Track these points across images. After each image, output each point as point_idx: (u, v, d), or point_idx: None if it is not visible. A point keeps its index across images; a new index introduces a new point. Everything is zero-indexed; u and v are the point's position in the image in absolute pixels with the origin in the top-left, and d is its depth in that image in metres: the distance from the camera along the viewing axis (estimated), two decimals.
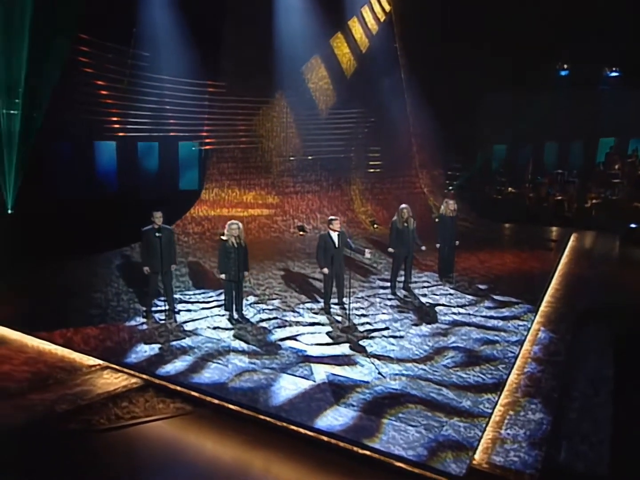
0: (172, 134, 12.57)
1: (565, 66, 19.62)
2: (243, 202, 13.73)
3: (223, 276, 8.00)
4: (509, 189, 18.15)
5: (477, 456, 4.94)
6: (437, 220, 10.52)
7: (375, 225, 14.54)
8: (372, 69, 14.84)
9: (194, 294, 9.25)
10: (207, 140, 13.13)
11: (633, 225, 15.20)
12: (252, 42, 12.42)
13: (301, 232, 13.63)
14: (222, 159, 13.50)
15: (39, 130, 11.05)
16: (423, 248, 9.56)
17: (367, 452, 4.93)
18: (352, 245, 8.59)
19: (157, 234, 7.95)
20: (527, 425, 5.46)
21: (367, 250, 8.64)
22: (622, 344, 7.79)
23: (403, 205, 9.37)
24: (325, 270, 8.27)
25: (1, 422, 5.72)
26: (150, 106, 11.95)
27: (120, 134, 12.10)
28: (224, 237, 7.92)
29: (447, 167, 17.69)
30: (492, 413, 5.59)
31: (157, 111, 12.11)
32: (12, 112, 11.00)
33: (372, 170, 15.51)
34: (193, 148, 13.48)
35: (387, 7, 15.36)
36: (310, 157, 14.32)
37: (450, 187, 18.60)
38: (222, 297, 8.94)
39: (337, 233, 8.26)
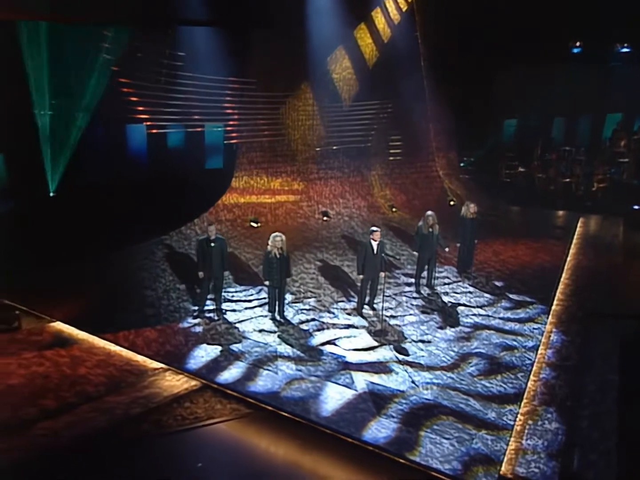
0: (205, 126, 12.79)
1: (578, 43, 19.29)
2: (271, 189, 14.03)
3: (267, 282, 8.49)
4: (519, 168, 18.21)
5: (503, 467, 5.51)
6: (459, 215, 10.71)
7: (394, 209, 14.82)
8: (393, 58, 14.76)
9: (236, 292, 9.71)
10: (237, 133, 13.32)
11: (637, 207, 15.36)
12: (281, 37, 12.39)
13: (325, 218, 13.95)
14: (251, 148, 13.74)
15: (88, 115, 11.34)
16: (447, 249, 10.01)
17: (408, 463, 5.52)
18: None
19: (211, 244, 8.42)
20: (545, 435, 5.99)
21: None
22: (628, 347, 8.26)
23: (429, 213, 9.67)
24: (362, 276, 8.75)
25: (86, 425, 6.35)
26: (185, 103, 12.11)
27: (155, 130, 12.28)
28: (268, 248, 8.34)
29: (462, 149, 17.73)
30: (514, 425, 6.15)
31: (190, 108, 12.28)
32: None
33: (392, 158, 15.67)
34: (217, 129, 13.58)
35: None
36: (335, 147, 14.51)
37: (462, 164, 18.69)
38: (261, 294, 9.50)
39: (376, 242, 8.67)
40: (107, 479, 5.59)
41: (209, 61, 11.79)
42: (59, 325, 8.44)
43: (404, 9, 15.15)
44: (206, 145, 13.60)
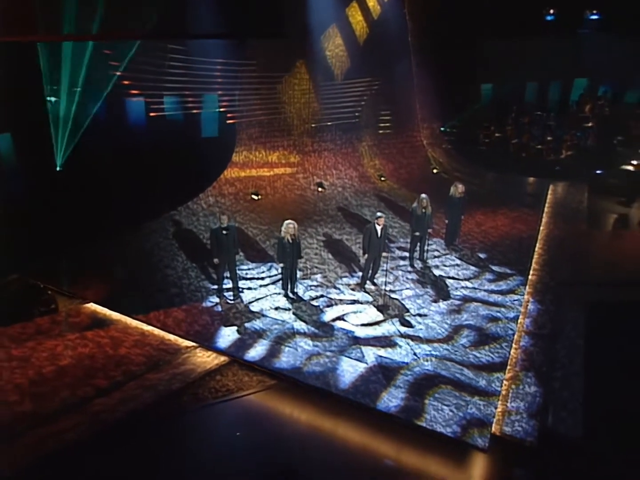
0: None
1: (552, 11, 19.43)
2: (269, 162, 14.29)
3: (281, 265, 9.05)
4: (495, 134, 18.68)
5: (493, 428, 6.38)
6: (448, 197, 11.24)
7: (382, 178, 15.28)
8: (383, 34, 14.80)
9: (248, 269, 10.23)
10: (238, 113, 13.45)
11: (599, 171, 16.08)
12: (278, 18, 12.30)
13: (320, 189, 14.34)
14: (250, 124, 13.87)
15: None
16: (434, 227, 10.71)
17: (416, 428, 6.34)
18: None
19: (224, 232, 8.85)
20: (525, 398, 6.86)
21: None
22: (594, 312, 9.10)
23: (423, 195, 10.20)
24: (366, 256, 9.36)
25: (135, 401, 6.95)
26: (189, 86, 12.17)
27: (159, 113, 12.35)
28: (281, 234, 8.84)
29: (445, 119, 18.05)
30: (501, 390, 7.01)
31: (194, 90, 12.34)
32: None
33: (381, 130, 15.96)
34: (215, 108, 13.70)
35: None
36: (329, 123, 14.73)
37: (442, 128, 19.04)
38: (272, 272, 10.08)
39: (381, 227, 9.22)
40: (159, 449, 6.18)
41: (212, 47, 11.77)
42: (92, 306, 8.90)
43: None
44: (203, 119, 13.72)
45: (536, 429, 6.34)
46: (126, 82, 11.39)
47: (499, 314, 8.74)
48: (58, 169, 11.81)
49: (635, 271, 10.29)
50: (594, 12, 19.35)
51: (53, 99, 10.93)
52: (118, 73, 11.21)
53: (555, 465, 5.89)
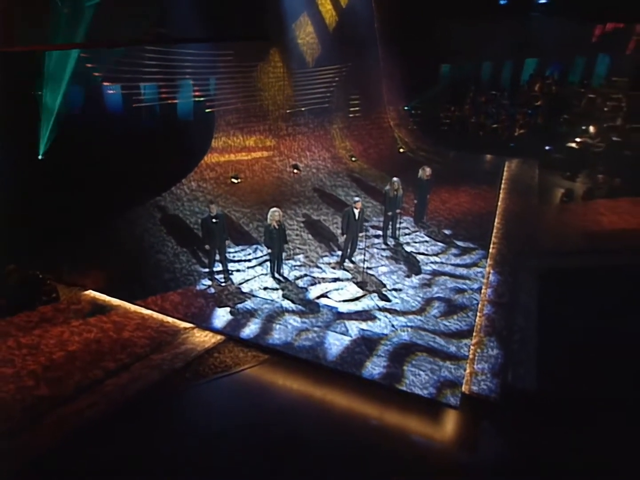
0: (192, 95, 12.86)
1: None
2: (246, 146, 14.37)
3: (269, 250, 9.35)
4: (456, 113, 19.14)
5: (463, 388, 7.01)
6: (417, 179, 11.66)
7: (353, 159, 15.59)
8: (351, 22, 14.87)
9: (235, 252, 10.50)
10: (215, 101, 13.41)
11: (548, 147, 16.78)
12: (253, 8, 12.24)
13: (295, 171, 14.56)
14: (227, 111, 13.86)
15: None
16: (404, 207, 11.15)
17: (398, 392, 6.90)
18: None
19: (213, 220, 9.08)
20: (489, 360, 7.50)
21: None
22: (545, 279, 9.78)
23: (395, 179, 10.60)
24: (345, 236, 9.77)
25: (143, 380, 7.27)
26: (168, 77, 12.04)
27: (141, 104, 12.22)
28: (267, 222, 9.13)
29: (409, 101, 18.35)
30: (468, 354, 7.64)
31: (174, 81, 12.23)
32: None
33: (351, 114, 16.16)
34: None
35: None
36: (302, 108, 14.83)
37: (406, 107, 19.36)
38: (257, 253, 10.39)
39: (358, 210, 9.59)
40: (167, 423, 6.52)
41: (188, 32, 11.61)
42: (92, 293, 9.07)
43: None
44: (183, 108, 13.65)
45: (499, 386, 7.01)
46: (108, 74, 11.20)
47: (464, 286, 9.36)
48: (40, 157, 11.69)
49: (580, 241, 11.02)
50: None
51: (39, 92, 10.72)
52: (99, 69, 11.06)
53: (515, 416, 6.57)
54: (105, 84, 11.52)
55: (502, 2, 19.87)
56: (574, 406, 6.61)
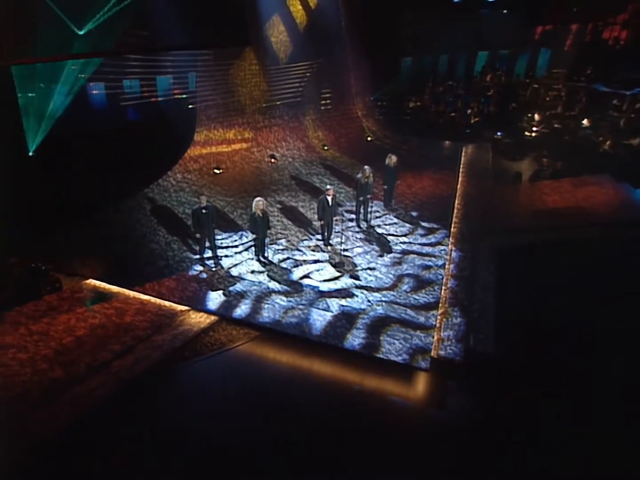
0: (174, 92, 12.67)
1: None
2: (226, 139, 14.31)
3: (254, 236, 9.51)
4: (417, 103, 19.37)
5: (432, 353, 7.45)
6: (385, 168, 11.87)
7: (325, 147, 15.69)
8: (320, 21, 14.85)
9: (223, 239, 10.58)
10: (197, 95, 13.27)
11: (499, 133, 17.24)
12: (227, 9, 12.06)
13: (272, 160, 14.59)
14: (208, 106, 13.74)
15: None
16: (374, 192, 11.40)
17: (376, 360, 7.28)
18: None
19: (203, 211, 9.15)
20: (453, 327, 7.96)
21: None
22: (500, 254, 10.26)
23: (366, 167, 10.81)
24: (321, 221, 10.02)
25: (146, 360, 7.40)
26: (151, 76, 11.82)
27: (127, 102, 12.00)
28: (252, 210, 9.26)
29: (375, 92, 18.45)
30: (436, 323, 8.07)
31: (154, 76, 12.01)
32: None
33: (322, 106, 16.20)
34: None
35: None
36: (278, 102, 14.79)
37: (372, 98, 19.48)
38: (243, 239, 10.52)
39: (330, 197, 9.80)
40: (171, 397, 6.76)
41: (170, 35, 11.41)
42: (92, 282, 9.07)
43: None
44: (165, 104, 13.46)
45: (462, 350, 7.48)
46: (93, 75, 10.94)
47: (430, 263, 9.77)
48: (30, 154, 11.43)
49: (529, 219, 11.49)
50: None
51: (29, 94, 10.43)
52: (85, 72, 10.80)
53: (476, 375, 7.06)
54: (90, 83, 11.21)
55: (455, 1, 20.07)
56: (526, 367, 7.14)
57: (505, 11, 19.82)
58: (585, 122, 16.20)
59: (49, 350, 7.19)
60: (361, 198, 11.08)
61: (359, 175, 10.96)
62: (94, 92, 11.63)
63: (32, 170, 10.94)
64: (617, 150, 14.35)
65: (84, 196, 10.64)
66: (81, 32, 9.40)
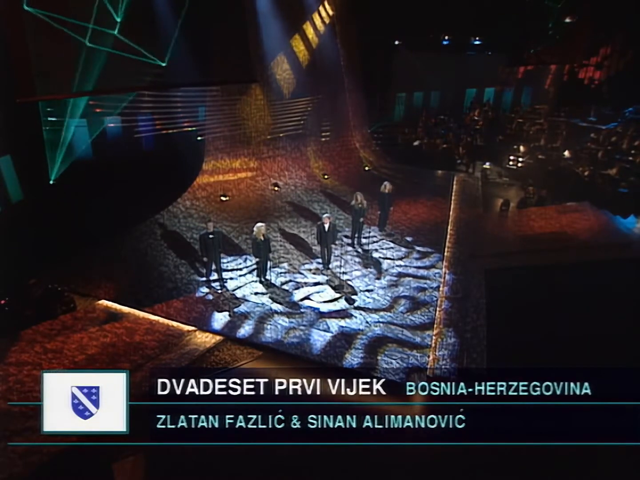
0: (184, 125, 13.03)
1: (447, 37, 20.83)
2: (233, 168, 14.51)
3: (257, 259, 9.55)
4: (411, 135, 19.69)
5: (428, 372, 7.40)
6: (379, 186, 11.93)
7: (325, 176, 15.86)
8: (321, 60, 15.40)
9: (228, 262, 10.54)
10: (206, 127, 13.61)
11: (487, 165, 17.51)
12: (236, 49, 12.49)
13: (276, 188, 14.71)
14: (216, 138, 14.00)
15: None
16: (371, 217, 11.48)
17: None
18: None
19: (210, 236, 9.22)
20: (448, 347, 7.94)
21: None
22: (491, 276, 10.26)
23: (358, 193, 10.95)
24: (319, 247, 10.14)
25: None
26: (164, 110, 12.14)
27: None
28: (254, 235, 9.34)
29: (371, 125, 18.85)
30: (431, 343, 8.04)
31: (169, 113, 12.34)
32: None
33: (323, 138, 16.54)
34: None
35: (331, 12, 15.59)
36: (281, 134, 15.11)
37: (369, 129, 19.84)
38: (247, 262, 10.54)
39: (327, 224, 9.88)
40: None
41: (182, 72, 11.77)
42: (104, 302, 9.05)
43: (327, 22, 15.60)
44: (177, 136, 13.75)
45: (456, 368, 7.44)
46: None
47: (425, 285, 9.77)
48: (51, 182, 11.64)
49: (517, 243, 11.58)
50: (476, 38, 21.07)
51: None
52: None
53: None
54: (107, 117, 11.49)
55: (444, 43, 20.84)
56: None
57: (489, 53, 20.56)
58: (566, 153, 16.51)
59: (62, 367, 7.14)
60: (355, 222, 11.17)
61: (353, 203, 11.06)
62: (111, 125, 11.89)
63: (52, 197, 11.14)
64: (596, 179, 14.59)
65: (98, 222, 10.74)
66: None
